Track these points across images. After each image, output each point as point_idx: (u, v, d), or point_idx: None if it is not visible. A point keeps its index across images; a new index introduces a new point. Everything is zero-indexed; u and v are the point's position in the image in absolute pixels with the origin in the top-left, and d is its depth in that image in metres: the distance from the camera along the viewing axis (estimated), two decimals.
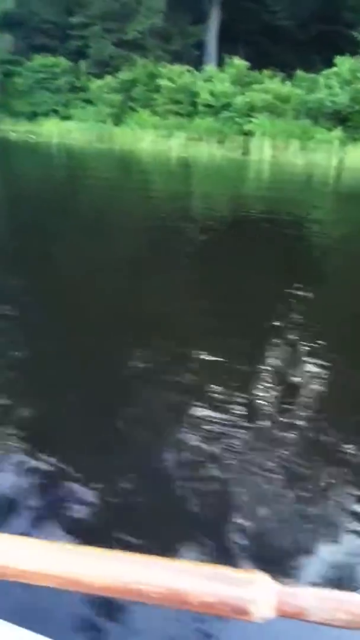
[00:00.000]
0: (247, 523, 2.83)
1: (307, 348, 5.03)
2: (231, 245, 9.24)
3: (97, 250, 8.48)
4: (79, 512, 2.92)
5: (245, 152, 22.97)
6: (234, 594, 0.70)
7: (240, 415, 3.82)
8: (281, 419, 3.81)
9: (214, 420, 3.72)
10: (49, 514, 2.89)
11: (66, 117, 29.31)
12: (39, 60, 30.84)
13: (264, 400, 4.06)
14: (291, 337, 5.31)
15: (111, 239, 9.42)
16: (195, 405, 3.95)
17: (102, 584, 0.74)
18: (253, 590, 0.67)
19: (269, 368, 4.67)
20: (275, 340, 5.28)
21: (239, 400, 4.05)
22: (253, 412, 3.87)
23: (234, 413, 3.84)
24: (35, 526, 2.78)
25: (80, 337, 5.31)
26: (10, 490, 3.04)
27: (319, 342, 5.16)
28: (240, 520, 2.85)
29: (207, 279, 7.41)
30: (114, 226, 10.59)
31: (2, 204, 12.86)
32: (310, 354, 4.90)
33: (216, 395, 4.10)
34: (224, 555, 2.61)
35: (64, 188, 15.01)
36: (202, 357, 4.84)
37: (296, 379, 4.48)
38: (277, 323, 5.69)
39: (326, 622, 0.65)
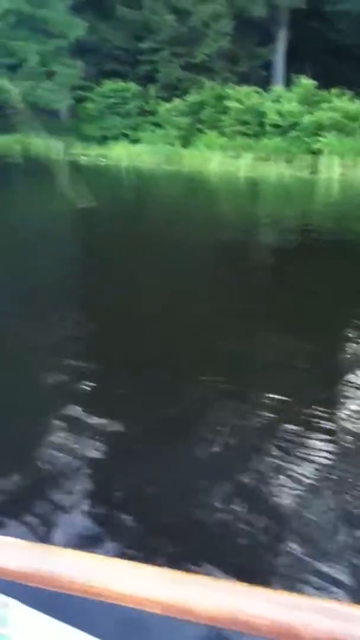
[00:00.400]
0: None
1: None
2: (304, 268, 9.24)
3: (167, 272, 8.64)
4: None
5: (314, 171, 22.88)
6: (350, 631, 0.68)
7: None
8: None
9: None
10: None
11: (135, 141, 29.88)
12: (110, 85, 31.63)
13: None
14: None
15: (181, 261, 9.56)
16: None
17: (210, 614, 0.79)
18: None
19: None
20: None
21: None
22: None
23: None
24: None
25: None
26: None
27: None
28: None
29: (284, 308, 7.41)
30: (184, 248, 10.75)
31: (79, 224, 13.25)
32: None
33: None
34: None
35: (137, 209, 15.32)
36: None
37: None
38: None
39: None
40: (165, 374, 5.28)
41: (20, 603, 1.08)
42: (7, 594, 1.07)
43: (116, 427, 4.41)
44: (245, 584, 0.82)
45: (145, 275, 8.64)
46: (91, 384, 5.13)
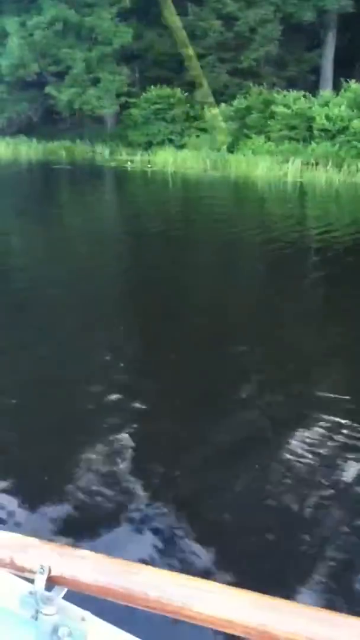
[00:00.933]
0: None
1: None
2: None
3: (222, 279, 8.43)
4: None
5: None
6: None
7: None
8: None
9: None
10: None
11: (181, 146, 29.75)
12: (155, 91, 31.59)
13: None
14: None
15: (232, 269, 9.37)
16: None
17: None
18: None
19: None
20: None
21: None
22: None
23: None
24: None
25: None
26: None
27: None
28: None
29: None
30: (234, 255, 10.55)
31: (130, 231, 13.13)
32: None
33: None
34: None
35: (188, 216, 15.15)
36: None
37: None
38: None
39: None
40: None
41: (97, 617, 1.10)
42: (85, 608, 1.08)
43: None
44: (326, 610, 0.84)
45: (198, 284, 8.43)
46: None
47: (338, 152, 24.44)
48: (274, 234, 12.06)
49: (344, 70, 29.18)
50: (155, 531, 3.19)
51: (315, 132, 25.68)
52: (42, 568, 1.02)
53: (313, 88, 29.50)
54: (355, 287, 8.39)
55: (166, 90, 31.46)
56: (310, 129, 26.09)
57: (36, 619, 1.05)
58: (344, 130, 24.94)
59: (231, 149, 27.57)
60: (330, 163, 23.77)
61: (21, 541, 1.09)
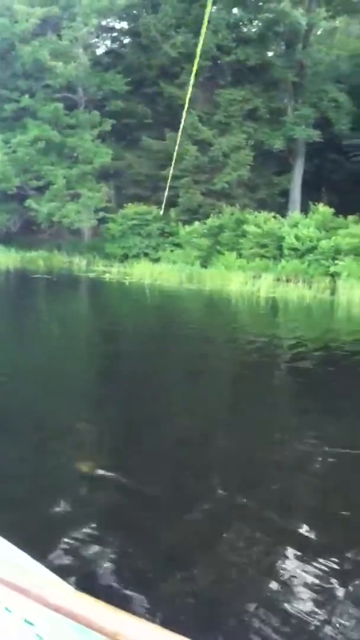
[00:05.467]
0: None
1: None
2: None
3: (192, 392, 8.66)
4: None
5: (333, 292, 23.38)
6: None
7: None
8: None
9: None
10: None
11: (155, 260, 30.81)
12: (132, 208, 33.00)
13: None
14: None
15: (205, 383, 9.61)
16: None
17: None
18: None
19: None
20: None
21: None
22: None
23: None
24: None
25: None
26: None
27: None
28: None
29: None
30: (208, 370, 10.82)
31: (107, 340, 13.42)
32: None
33: None
34: None
35: (161, 328, 15.56)
36: None
37: None
38: None
39: None
40: None
41: None
42: None
43: None
44: None
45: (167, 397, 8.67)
46: None
47: (307, 270, 25.60)
48: (249, 347, 12.48)
49: (311, 193, 31.08)
50: None
51: (285, 251, 26.91)
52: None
53: (282, 209, 31.23)
54: (320, 394, 8.74)
55: (143, 208, 32.89)
56: (280, 247, 27.36)
57: None
58: (312, 249, 26.20)
59: (204, 264, 28.67)
60: (300, 280, 24.87)
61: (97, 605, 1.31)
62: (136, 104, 35.61)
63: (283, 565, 3.98)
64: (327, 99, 32.63)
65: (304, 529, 4.57)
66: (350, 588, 3.75)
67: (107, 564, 3.89)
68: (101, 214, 33.80)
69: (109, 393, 8.61)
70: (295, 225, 27.83)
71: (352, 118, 32.64)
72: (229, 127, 32.95)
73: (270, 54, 34.00)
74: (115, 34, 40.45)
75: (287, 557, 4.08)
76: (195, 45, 29.67)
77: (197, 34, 29.37)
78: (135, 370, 10.29)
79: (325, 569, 3.90)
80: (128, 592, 3.54)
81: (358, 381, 9.95)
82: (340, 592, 3.71)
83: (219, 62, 33.10)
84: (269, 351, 12.11)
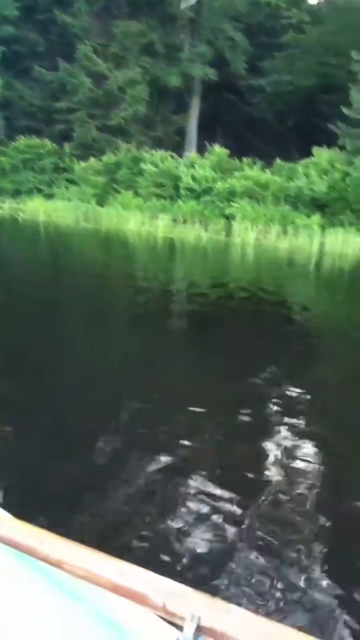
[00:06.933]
0: None
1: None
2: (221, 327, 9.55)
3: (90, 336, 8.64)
4: None
5: (228, 234, 23.84)
6: None
7: None
8: None
9: None
10: None
11: (49, 196, 30.00)
12: (24, 141, 31.79)
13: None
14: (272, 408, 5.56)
15: (103, 328, 9.61)
16: None
17: None
18: None
19: None
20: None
21: None
22: None
23: None
24: None
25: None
26: None
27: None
28: None
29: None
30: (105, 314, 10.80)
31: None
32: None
33: None
34: None
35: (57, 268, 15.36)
36: None
37: None
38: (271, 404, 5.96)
39: None
40: None
41: None
42: None
43: None
44: None
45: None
46: None
47: (203, 211, 25.87)
48: (145, 285, 12.59)
49: (207, 134, 31.17)
50: None
51: (182, 191, 27.00)
52: (192, 617, 1.05)
53: (179, 149, 31.16)
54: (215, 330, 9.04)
55: (35, 141, 31.78)
56: (177, 187, 27.40)
57: None
58: (208, 190, 26.46)
59: (101, 203, 28.28)
60: (197, 221, 25.15)
61: (174, 587, 1.13)
62: (27, 31, 33.86)
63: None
64: (224, 37, 32.46)
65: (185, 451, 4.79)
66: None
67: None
68: None
69: None
70: (191, 165, 27.90)
71: (248, 58, 32.74)
72: (125, 61, 32.19)
73: None
74: None
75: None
76: None
77: None
78: (28, 315, 9.96)
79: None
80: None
81: (253, 319, 10.32)
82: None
83: None
84: (167, 294, 12.23)
